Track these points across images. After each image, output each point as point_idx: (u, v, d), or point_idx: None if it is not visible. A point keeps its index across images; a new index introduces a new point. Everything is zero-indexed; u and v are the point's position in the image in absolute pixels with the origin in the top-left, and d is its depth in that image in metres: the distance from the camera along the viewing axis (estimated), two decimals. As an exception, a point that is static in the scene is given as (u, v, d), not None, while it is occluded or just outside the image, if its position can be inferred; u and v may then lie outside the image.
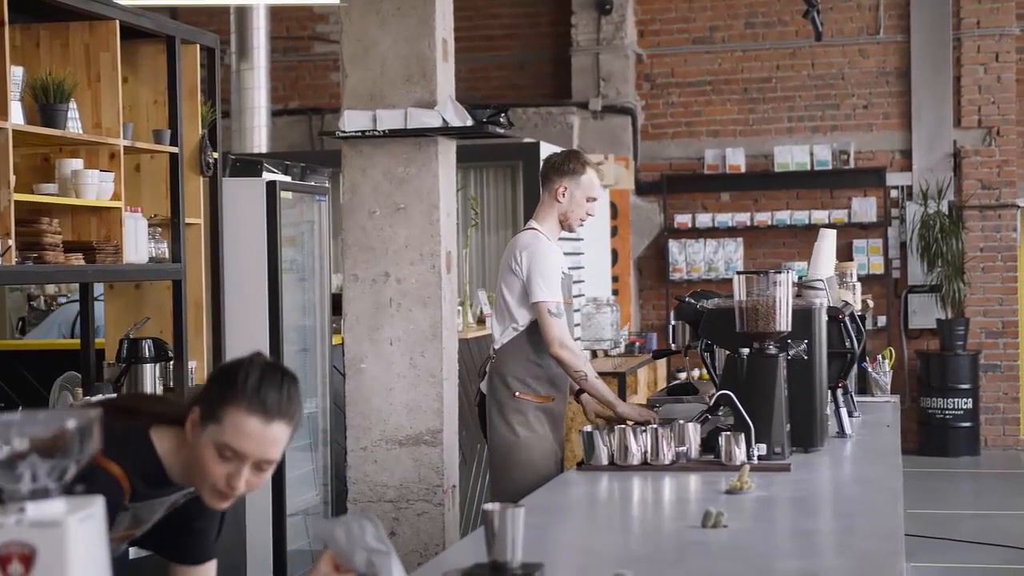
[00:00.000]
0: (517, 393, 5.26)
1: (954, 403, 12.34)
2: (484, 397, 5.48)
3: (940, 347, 12.52)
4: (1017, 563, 8.23)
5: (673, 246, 13.05)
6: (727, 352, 4.56)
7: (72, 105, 5.06)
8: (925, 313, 12.68)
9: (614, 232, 12.49)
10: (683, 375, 12.46)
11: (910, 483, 10.31)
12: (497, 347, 5.36)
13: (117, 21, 5.30)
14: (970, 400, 12.36)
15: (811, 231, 12.68)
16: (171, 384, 5.67)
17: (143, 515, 2.76)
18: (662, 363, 11.35)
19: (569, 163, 5.39)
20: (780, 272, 4.42)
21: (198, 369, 5.92)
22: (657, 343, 11.80)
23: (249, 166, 6.63)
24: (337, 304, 6.45)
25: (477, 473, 7.36)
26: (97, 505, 1.77)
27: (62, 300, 9.04)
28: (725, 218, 12.97)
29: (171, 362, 5.65)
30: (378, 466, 5.72)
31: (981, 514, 9.96)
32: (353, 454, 5.73)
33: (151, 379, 5.49)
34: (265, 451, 2.58)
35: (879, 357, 6.55)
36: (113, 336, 5.73)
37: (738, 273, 4.46)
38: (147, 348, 5.49)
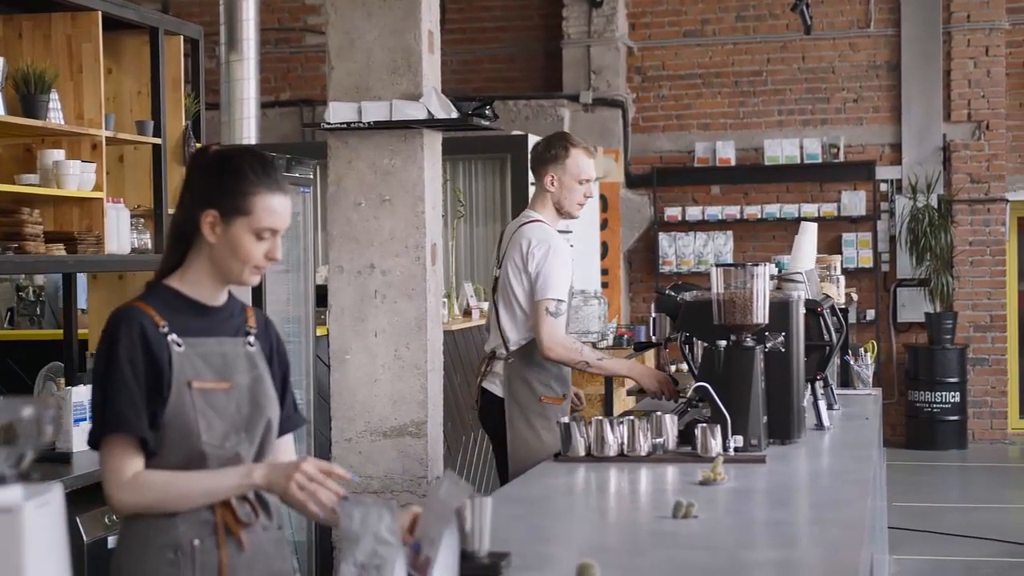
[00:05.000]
0: (542, 397, 5.16)
1: (942, 397, 12.37)
2: (488, 396, 5.30)
3: (928, 340, 12.55)
4: (1002, 556, 8.26)
5: (663, 239, 13.07)
6: (705, 344, 4.58)
7: (54, 96, 5.07)
8: (914, 307, 12.71)
9: (604, 225, 12.51)
10: (674, 367, 12.48)
11: (897, 476, 10.40)
12: (513, 348, 5.20)
13: (99, 12, 5.30)
14: (958, 394, 12.40)
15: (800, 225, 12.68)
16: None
17: (211, 359, 2.88)
18: (651, 355, 11.37)
19: (551, 149, 5.26)
20: (758, 265, 4.44)
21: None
22: (646, 336, 11.81)
23: (234, 158, 6.63)
24: (322, 295, 6.46)
25: (462, 465, 7.38)
26: (55, 492, 1.79)
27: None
28: (715, 211, 13.00)
29: (154, 352, 5.65)
30: (363, 457, 5.74)
31: (967, 507, 10.00)
32: (337, 445, 5.74)
33: (134, 369, 5.49)
34: (288, 218, 2.91)
35: (861, 350, 6.57)
36: (96, 326, 5.74)
37: (716, 265, 4.47)
38: (129, 338, 5.49)
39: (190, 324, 2.88)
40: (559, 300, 5.04)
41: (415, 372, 5.85)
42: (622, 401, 9.23)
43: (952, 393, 12.37)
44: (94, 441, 2.85)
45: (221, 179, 2.87)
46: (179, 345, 2.85)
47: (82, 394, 4.92)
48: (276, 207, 2.87)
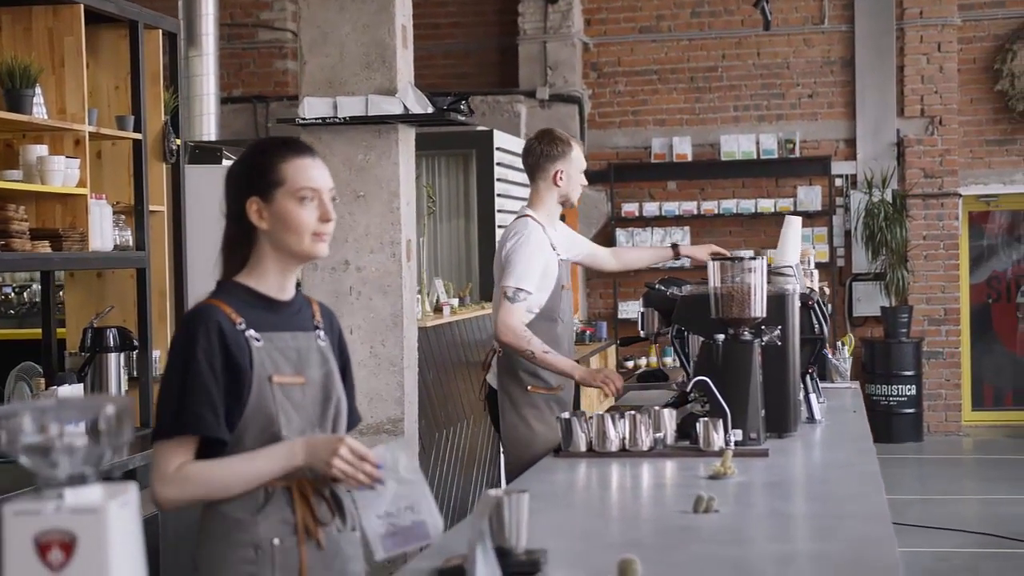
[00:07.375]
0: (529, 387, 5.20)
1: (898, 390, 12.48)
2: (491, 391, 5.35)
3: (884, 334, 12.66)
4: (963, 547, 8.34)
5: (621, 235, 13.08)
6: (701, 339, 4.57)
7: (38, 90, 4.98)
8: (869, 301, 12.81)
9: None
10: (630, 364, 12.51)
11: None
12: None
13: (81, 5, 5.21)
14: (913, 387, 12.51)
15: (757, 220, 12.79)
16: (135, 373, 5.59)
17: (287, 353, 2.87)
18: (612, 351, 11.40)
19: (557, 146, 5.36)
20: (755, 258, 4.43)
21: (163, 358, 5.85)
22: (607, 332, 11.84)
23: (208, 153, 6.58)
24: (297, 292, 6.40)
25: (437, 462, 7.34)
26: (132, 491, 1.75)
27: (7, 289, 8.91)
28: (672, 207, 13.02)
29: (135, 351, 5.58)
30: (339, 455, 5.68)
31: (926, 499, 10.08)
32: (314, 443, 5.68)
33: (115, 368, 5.41)
34: (327, 179, 2.91)
35: (839, 344, 6.60)
36: (75, 326, 5.65)
37: (713, 259, 4.47)
38: (111, 337, 5.42)
39: (263, 319, 2.88)
40: (518, 288, 5.10)
41: (391, 369, 5.83)
42: (587, 397, 9.22)
43: (908, 386, 12.48)
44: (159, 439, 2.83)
45: (249, 167, 2.91)
46: (258, 340, 2.84)
47: (67, 394, 4.84)
48: (308, 167, 2.87)
